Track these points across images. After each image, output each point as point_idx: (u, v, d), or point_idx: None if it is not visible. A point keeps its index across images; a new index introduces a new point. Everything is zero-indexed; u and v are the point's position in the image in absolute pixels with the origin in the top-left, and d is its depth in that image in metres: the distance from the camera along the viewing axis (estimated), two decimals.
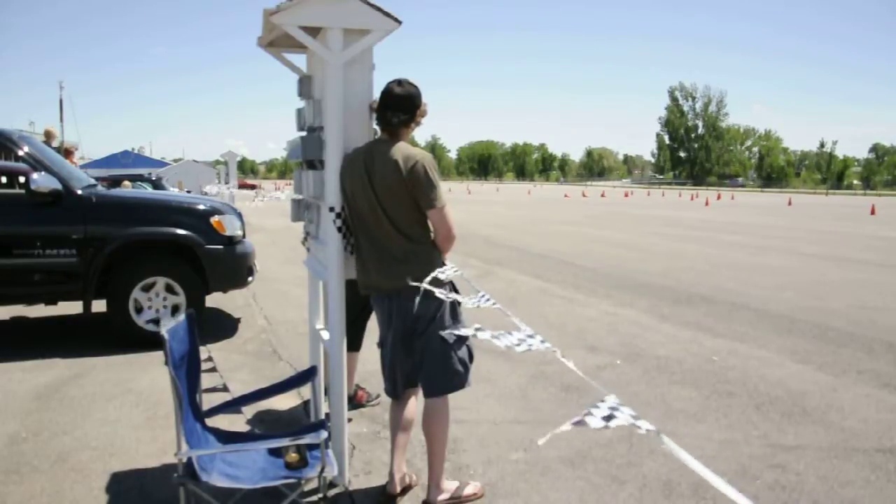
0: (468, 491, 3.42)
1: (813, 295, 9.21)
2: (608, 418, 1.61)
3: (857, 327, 7.28)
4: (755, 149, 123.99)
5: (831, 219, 27.35)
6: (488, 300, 2.41)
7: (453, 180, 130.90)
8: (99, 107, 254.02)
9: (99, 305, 6.34)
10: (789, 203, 42.66)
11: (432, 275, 2.82)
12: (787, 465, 3.87)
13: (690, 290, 9.53)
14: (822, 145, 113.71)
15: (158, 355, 4.94)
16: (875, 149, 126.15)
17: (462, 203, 36.06)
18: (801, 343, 6.61)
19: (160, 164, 52.44)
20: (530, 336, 2.07)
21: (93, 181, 6.90)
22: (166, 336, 2.63)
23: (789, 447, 4.14)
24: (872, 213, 30.80)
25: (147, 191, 15.49)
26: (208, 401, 3.33)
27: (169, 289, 6.35)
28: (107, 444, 4.08)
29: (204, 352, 5.88)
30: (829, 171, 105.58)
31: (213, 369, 5.42)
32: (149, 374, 5.40)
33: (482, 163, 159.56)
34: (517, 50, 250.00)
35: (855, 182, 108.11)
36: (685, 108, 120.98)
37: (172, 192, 15.20)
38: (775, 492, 3.55)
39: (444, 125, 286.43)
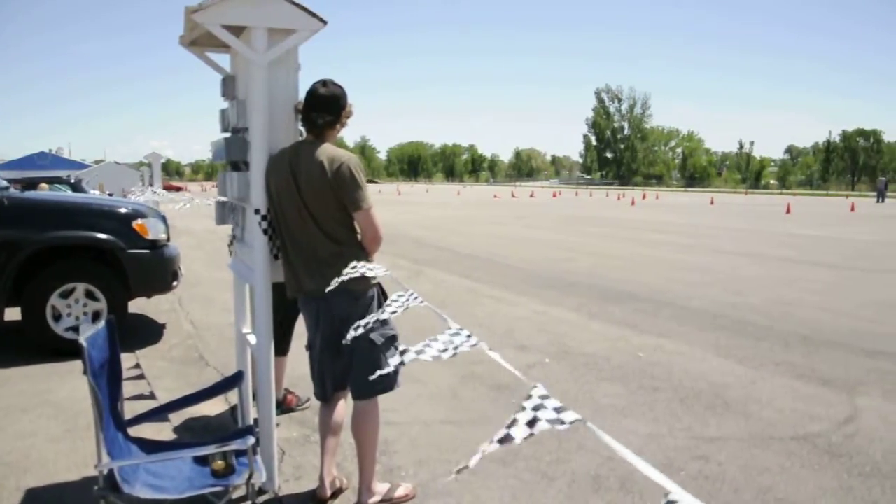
0: (399, 492, 3.42)
1: (734, 291, 9.54)
2: (532, 423, 1.60)
3: (775, 321, 7.57)
4: (679, 149, 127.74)
5: (750, 217, 28.35)
6: (416, 298, 2.41)
7: (383, 181, 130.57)
8: (12, 106, 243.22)
9: (14, 313, 6.08)
10: (711, 202, 44.05)
11: (360, 271, 2.78)
12: (710, 456, 4.00)
13: (617, 288, 9.74)
14: (741, 146, 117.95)
15: (78, 364, 4.79)
16: (790, 150, 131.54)
17: (392, 204, 35.99)
18: (722, 338, 6.83)
19: (80, 165, 50.41)
20: (456, 334, 2.06)
21: (4, 183, 6.62)
22: (85, 344, 2.54)
23: (712, 438, 4.28)
24: (788, 211, 32.04)
25: (65, 193, 14.93)
26: (133, 409, 3.23)
27: (89, 295, 6.13)
28: (21, 458, 3.91)
29: (132, 358, 5.79)
30: (748, 172, 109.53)
31: (141, 376, 5.30)
32: (68, 383, 5.20)
33: (412, 163, 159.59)
34: (445, 49, 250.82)
35: (772, 182, 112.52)
36: (611, 110, 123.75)
37: (93, 195, 14.71)
38: (699, 482, 3.66)
39: (374, 126, 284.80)
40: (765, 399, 5.02)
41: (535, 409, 1.58)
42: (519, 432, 1.53)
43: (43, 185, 17.44)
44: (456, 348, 1.99)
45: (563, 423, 1.53)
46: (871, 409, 4.83)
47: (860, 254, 14.47)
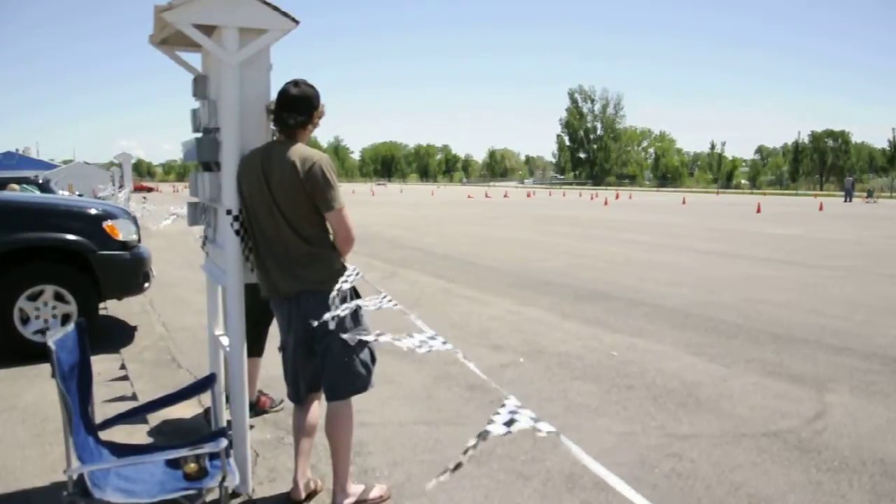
0: (374, 494, 3.41)
1: (705, 289, 9.64)
2: (509, 423, 1.63)
3: (745, 319, 7.66)
4: (651, 150, 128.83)
5: (722, 217, 28.67)
6: (390, 301, 2.41)
7: (358, 182, 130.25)
8: None
9: None
10: (683, 202, 44.46)
11: (336, 287, 2.79)
12: (683, 454, 4.03)
13: (590, 287, 9.80)
14: (713, 146, 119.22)
15: (47, 368, 4.73)
16: (760, 150, 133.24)
17: (366, 204, 35.91)
18: (694, 336, 6.90)
19: (48, 165, 49.58)
20: (431, 338, 2.09)
21: None
22: (53, 347, 2.51)
23: (684, 436, 4.32)
24: (758, 211, 32.42)
25: (34, 194, 14.67)
26: (109, 411, 3.19)
27: (59, 297, 6.04)
28: None
29: (117, 359, 5.72)
30: (719, 172, 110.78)
31: (125, 377, 5.28)
32: (36, 387, 5.12)
33: (386, 164, 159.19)
34: (419, 49, 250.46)
35: (743, 182, 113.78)
36: (584, 111, 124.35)
37: (62, 196, 14.48)
38: (672, 480, 3.70)
39: (347, 126, 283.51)
40: (736, 396, 5.08)
41: (512, 412, 1.62)
42: (497, 429, 1.56)
43: (13, 185, 17.10)
44: (431, 347, 2.02)
45: (539, 431, 1.56)
46: (840, 405, 4.91)
47: (829, 252, 14.68)
